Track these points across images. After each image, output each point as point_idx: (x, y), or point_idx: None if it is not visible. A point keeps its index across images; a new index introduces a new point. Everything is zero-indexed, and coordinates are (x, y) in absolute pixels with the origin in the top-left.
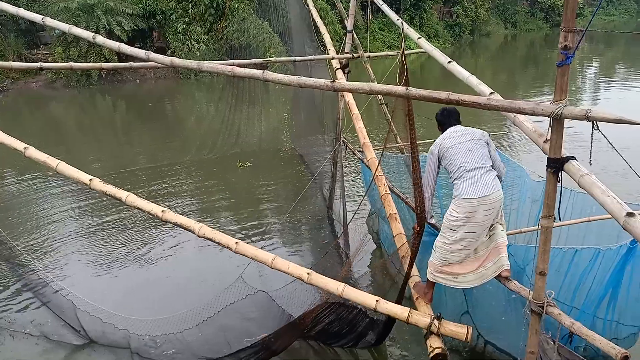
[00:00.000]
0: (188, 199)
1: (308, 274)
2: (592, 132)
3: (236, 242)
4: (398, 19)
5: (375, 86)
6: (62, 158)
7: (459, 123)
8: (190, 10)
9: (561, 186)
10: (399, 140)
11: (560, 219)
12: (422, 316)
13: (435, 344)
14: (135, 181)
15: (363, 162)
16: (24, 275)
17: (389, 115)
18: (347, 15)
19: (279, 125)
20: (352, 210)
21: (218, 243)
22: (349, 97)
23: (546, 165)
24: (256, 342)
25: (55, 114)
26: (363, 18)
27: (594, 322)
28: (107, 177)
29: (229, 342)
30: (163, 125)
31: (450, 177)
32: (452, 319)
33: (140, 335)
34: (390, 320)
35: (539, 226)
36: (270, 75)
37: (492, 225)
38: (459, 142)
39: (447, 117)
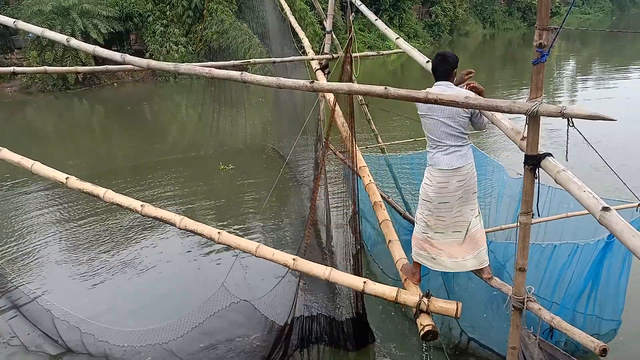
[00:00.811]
0: (170, 203)
1: (294, 259)
2: (568, 129)
3: (218, 232)
4: (376, 19)
5: (355, 86)
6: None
7: (447, 76)
8: (168, 12)
9: (539, 183)
10: (379, 140)
11: (538, 215)
12: (410, 294)
13: (425, 322)
14: (114, 186)
15: (345, 162)
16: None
17: (369, 115)
18: (326, 16)
19: (261, 127)
20: (335, 210)
21: (200, 234)
22: (331, 98)
23: (523, 162)
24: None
25: (31, 119)
26: (343, 19)
27: (574, 316)
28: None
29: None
30: (142, 128)
31: (427, 142)
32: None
33: (122, 346)
34: (361, 318)
35: (518, 222)
36: (248, 76)
37: (464, 204)
38: (435, 113)
39: (436, 67)
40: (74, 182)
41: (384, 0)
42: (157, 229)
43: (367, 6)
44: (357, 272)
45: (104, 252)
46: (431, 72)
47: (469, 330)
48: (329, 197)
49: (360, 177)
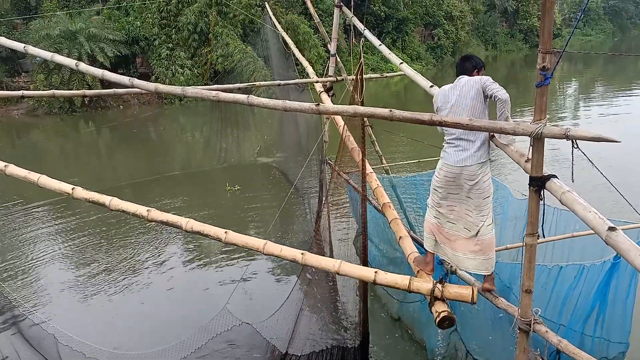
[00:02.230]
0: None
1: (302, 254)
2: (572, 150)
3: (225, 232)
4: (380, 44)
5: (360, 109)
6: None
7: (465, 73)
8: (173, 36)
9: (544, 204)
10: (384, 161)
11: (544, 236)
12: (424, 282)
13: (440, 309)
14: None
15: (349, 183)
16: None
17: (373, 137)
18: (330, 40)
19: (266, 148)
20: (339, 231)
21: (207, 235)
22: (340, 122)
23: (528, 184)
24: None
25: (38, 141)
26: (346, 41)
27: (582, 339)
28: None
29: None
30: (148, 150)
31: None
32: (440, 337)
33: None
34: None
35: (524, 244)
36: (254, 99)
37: (476, 208)
38: (450, 104)
39: (457, 64)
40: (80, 192)
41: (387, 23)
42: (158, 252)
43: (370, 29)
44: (363, 291)
45: (106, 274)
46: (457, 69)
47: (475, 351)
48: (334, 218)
49: (369, 201)
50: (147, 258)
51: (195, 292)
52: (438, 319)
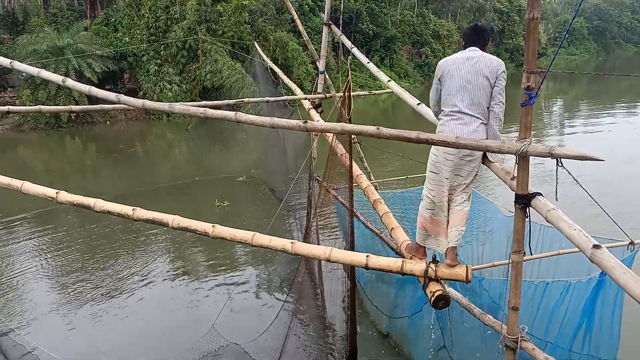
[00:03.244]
0: (162, 239)
1: (292, 243)
2: (557, 169)
3: (212, 226)
4: (368, 62)
5: (347, 126)
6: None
7: (478, 45)
8: (162, 52)
9: (529, 221)
10: (372, 177)
11: (531, 253)
12: (417, 263)
13: (434, 288)
14: (108, 223)
15: (338, 199)
16: None
17: (361, 153)
18: (319, 57)
19: (255, 164)
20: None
21: (194, 231)
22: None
23: (514, 201)
24: None
25: (23, 156)
26: (335, 59)
27: (569, 356)
28: (74, 216)
29: None
30: (135, 166)
31: (441, 106)
32: (429, 355)
33: None
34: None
35: (509, 261)
36: (242, 116)
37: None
38: (460, 73)
39: (472, 34)
40: (64, 196)
41: (375, 41)
42: (144, 268)
43: (359, 46)
44: (351, 308)
45: (89, 291)
46: (466, 39)
47: None
48: (322, 234)
49: (356, 216)
50: (132, 274)
51: (183, 311)
52: (433, 299)
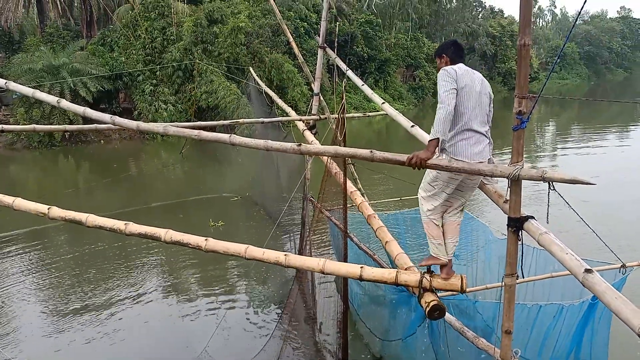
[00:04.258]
0: (154, 260)
1: (285, 255)
2: (549, 192)
3: (205, 240)
4: (363, 85)
5: (341, 149)
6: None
7: (464, 61)
8: (157, 72)
9: (522, 244)
10: (366, 198)
11: (523, 277)
12: (411, 274)
13: (429, 298)
14: (101, 241)
15: (331, 220)
16: None
17: (355, 174)
18: (314, 79)
19: (248, 184)
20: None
21: (187, 245)
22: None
23: (507, 225)
24: None
25: (16, 174)
26: (329, 80)
27: None
28: (66, 236)
29: None
30: (128, 186)
31: (451, 126)
32: None
33: None
34: None
35: (503, 284)
36: (237, 139)
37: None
38: (474, 90)
39: (459, 50)
40: (56, 211)
41: (369, 63)
42: (134, 290)
43: (353, 69)
44: (343, 330)
45: (80, 313)
46: (453, 54)
47: None
48: (315, 251)
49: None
50: (123, 297)
51: (175, 335)
52: (428, 309)
